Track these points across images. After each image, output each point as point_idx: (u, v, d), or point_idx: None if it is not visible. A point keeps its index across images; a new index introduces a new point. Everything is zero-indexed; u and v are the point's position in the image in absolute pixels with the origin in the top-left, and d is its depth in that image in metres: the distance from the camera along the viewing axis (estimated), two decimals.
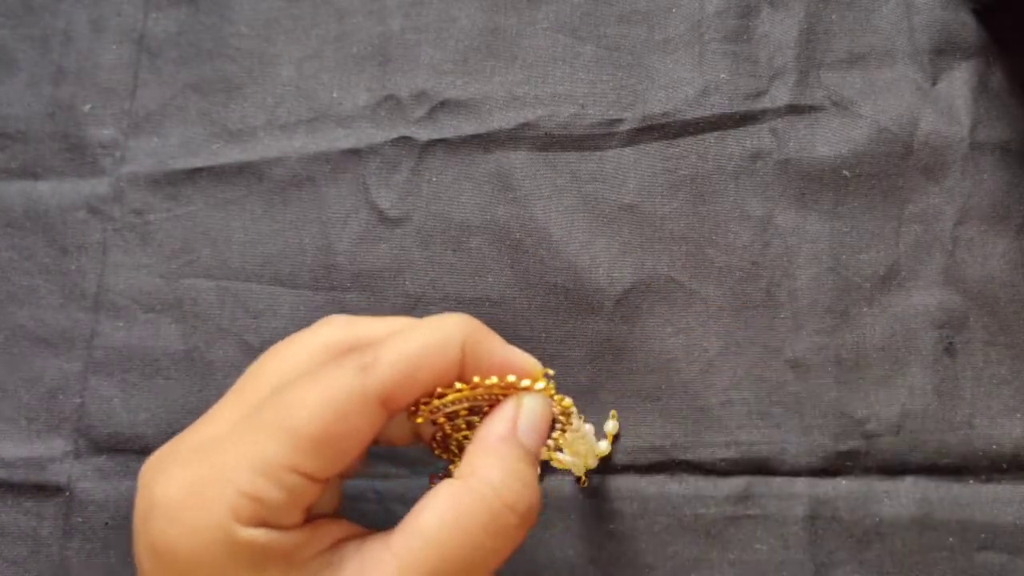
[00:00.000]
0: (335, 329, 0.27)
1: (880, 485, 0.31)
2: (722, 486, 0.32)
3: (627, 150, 0.35)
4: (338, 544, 0.24)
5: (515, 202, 0.35)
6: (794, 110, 0.34)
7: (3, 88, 0.39)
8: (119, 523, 0.34)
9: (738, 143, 0.34)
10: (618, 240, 0.34)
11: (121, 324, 0.36)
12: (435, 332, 0.25)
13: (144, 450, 0.34)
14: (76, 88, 0.38)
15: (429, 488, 0.24)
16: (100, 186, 0.37)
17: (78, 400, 0.35)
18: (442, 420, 0.27)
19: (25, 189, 0.38)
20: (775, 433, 0.32)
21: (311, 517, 0.24)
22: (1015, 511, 0.30)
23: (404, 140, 0.36)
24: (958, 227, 0.32)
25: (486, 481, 0.24)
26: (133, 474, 0.29)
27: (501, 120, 0.35)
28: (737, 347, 0.33)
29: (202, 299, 0.36)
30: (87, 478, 0.34)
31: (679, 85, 0.35)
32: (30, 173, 0.38)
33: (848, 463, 0.31)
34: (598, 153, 0.35)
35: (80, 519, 0.34)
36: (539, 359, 0.27)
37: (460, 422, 0.27)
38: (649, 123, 0.35)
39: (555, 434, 0.28)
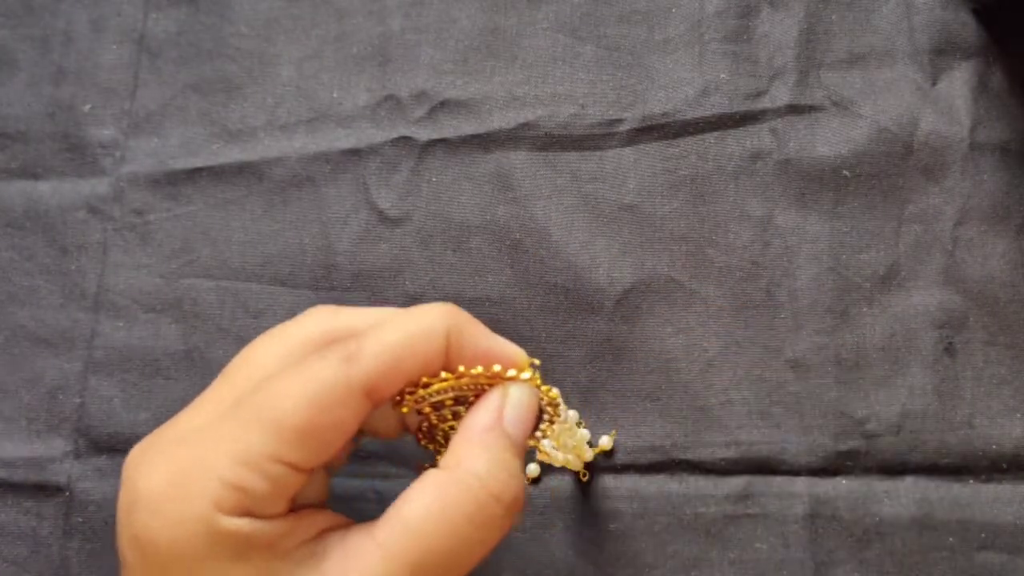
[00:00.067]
0: (320, 320, 0.27)
1: (880, 485, 0.31)
2: (722, 485, 0.32)
3: (627, 150, 0.35)
4: (322, 534, 0.24)
5: (515, 202, 0.35)
6: (794, 110, 0.34)
7: (3, 88, 0.39)
8: None
9: (738, 143, 0.34)
10: (618, 240, 0.34)
11: (121, 324, 0.36)
12: (419, 322, 0.25)
13: None
14: (76, 88, 0.38)
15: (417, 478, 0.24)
16: (100, 186, 0.37)
17: (78, 400, 0.35)
18: (428, 410, 0.27)
19: (25, 189, 0.38)
20: (775, 433, 0.32)
21: (295, 507, 0.24)
22: (1015, 511, 0.30)
23: (404, 140, 0.36)
24: (958, 227, 0.33)
25: (471, 471, 0.24)
26: None
27: (501, 120, 0.35)
28: (737, 347, 0.33)
29: (202, 299, 0.36)
30: (87, 478, 0.34)
31: (679, 85, 0.35)
32: (30, 173, 0.38)
33: (848, 463, 0.31)
34: (598, 153, 0.35)
35: (80, 519, 0.34)
36: (539, 359, 0.27)
37: (446, 412, 0.27)
38: (649, 123, 0.35)
39: (543, 426, 0.28)
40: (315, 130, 0.37)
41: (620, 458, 0.32)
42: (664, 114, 0.35)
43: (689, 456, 0.32)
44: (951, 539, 0.30)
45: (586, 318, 0.34)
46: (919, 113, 0.33)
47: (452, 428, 0.27)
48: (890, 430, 0.31)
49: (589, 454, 0.32)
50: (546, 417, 0.28)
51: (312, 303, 0.35)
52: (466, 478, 0.24)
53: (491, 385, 0.26)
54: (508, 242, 0.34)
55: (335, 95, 0.37)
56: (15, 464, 0.35)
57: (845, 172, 0.33)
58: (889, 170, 0.33)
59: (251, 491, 0.23)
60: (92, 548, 0.34)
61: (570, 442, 0.30)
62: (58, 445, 0.35)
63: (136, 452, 0.25)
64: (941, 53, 0.34)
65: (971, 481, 0.31)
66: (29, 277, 0.37)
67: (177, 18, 0.39)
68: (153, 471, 0.24)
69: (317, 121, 0.37)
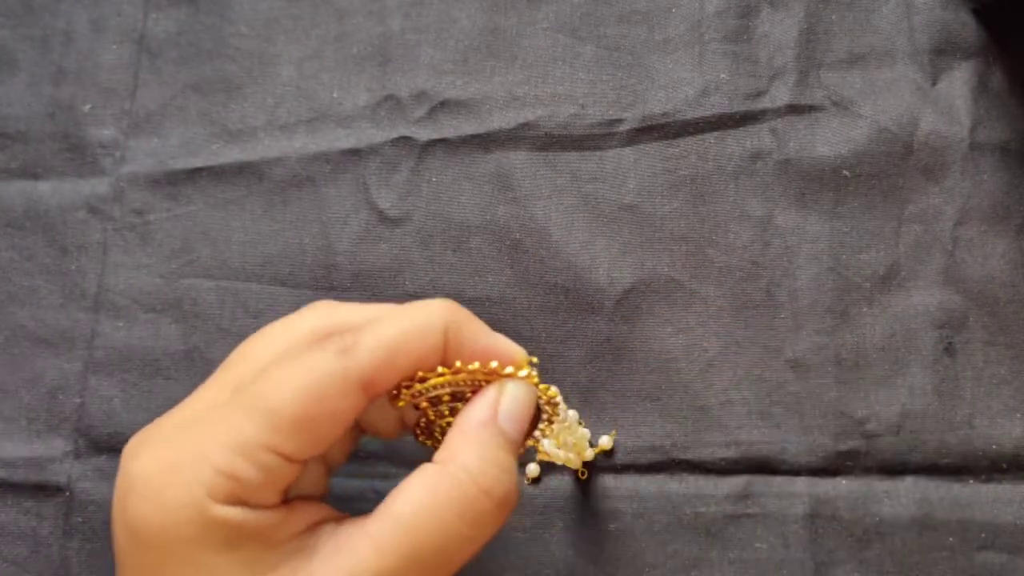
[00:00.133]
0: (320, 315, 0.27)
1: (880, 485, 0.31)
2: (722, 485, 0.32)
3: (627, 150, 0.35)
4: (315, 527, 0.24)
5: (515, 202, 0.35)
6: (794, 110, 0.34)
7: (3, 88, 0.39)
8: None
9: (738, 143, 0.34)
10: (618, 240, 0.34)
11: (121, 324, 0.36)
12: (416, 317, 0.25)
13: None
14: (76, 88, 0.38)
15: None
16: (100, 186, 0.37)
17: (78, 400, 0.35)
18: (425, 405, 0.27)
19: (25, 189, 0.38)
20: (775, 433, 0.32)
21: (289, 499, 0.25)
22: (1015, 511, 0.30)
23: (404, 140, 0.36)
24: (958, 227, 0.33)
25: (463, 466, 0.24)
26: None
27: (501, 120, 0.35)
28: (737, 347, 0.33)
29: (202, 299, 0.36)
30: (87, 478, 0.34)
31: (679, 85, 0.35)
32: (30, 173, 0.38)
33: (848, 463, 0.31)
34: (598, 153, 0.35)
35: (80, 519, 0.34)
36: (539, 359, 0.27)
37: (443, 408, 0.27)
38: (649, 123, 0.35)
39: (541, 424, 0.28)
40: (315, 130, 0.37)
41: (620, 458, 0.32)
42: (664, 114, 0.35)
43: (689, 456, 0.32)
44: (951, 539, 0.30)
45: (586, 318, 0.34)
46: (919, 113, 0.33)
47: (449, 424, 0.27)
48: (890, 430, 0.31)
49: (589, 453, 0.32)
50: (545, 416, 0.28)
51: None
52: (457, 473, 0.24)
53: (488, 382, 0.26)
54: (508, 242, 0.34)
55: (335, 95, 0.37)
56: (15, 464, 0.35)
57: (845, 172, 0.33)
58: (889, 170, 0.33)
59: (244, 480, 0.23)
60: (92, 548, 0.34)
61: (570, 440, 0.30)
62: (58, 445, 0.35)
63: (134, 440, 0.25)
64: (941, 53, 0.34)
65: (971, 481, 0.31)
66: (29, 277, 0.37)
67: (177, 18, 0.39)
68: (148, 457, 0.24)
69: (317, 121, 0.37)
